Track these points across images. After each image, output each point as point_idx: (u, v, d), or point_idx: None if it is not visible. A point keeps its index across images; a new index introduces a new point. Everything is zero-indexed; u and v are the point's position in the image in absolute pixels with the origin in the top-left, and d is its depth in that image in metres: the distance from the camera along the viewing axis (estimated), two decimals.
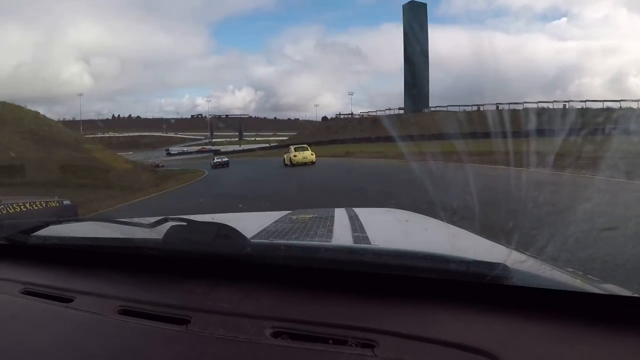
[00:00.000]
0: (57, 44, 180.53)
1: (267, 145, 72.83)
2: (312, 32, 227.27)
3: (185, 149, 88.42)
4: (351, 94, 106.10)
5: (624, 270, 2.74)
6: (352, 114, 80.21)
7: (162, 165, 46.18)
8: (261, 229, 1.34)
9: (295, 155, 22.82)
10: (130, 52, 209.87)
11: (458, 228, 1.38)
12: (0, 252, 1.12)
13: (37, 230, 1.10)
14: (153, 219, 1.01)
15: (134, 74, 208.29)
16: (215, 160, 31.88)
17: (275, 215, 1.71)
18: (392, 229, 1.56)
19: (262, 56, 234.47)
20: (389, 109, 69.81)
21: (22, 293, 0.89)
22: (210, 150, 74.34)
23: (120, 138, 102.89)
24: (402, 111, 69.04)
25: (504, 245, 1.04)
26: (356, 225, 1.38)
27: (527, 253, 0.99)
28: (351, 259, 0.79)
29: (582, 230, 3.24)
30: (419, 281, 0.72)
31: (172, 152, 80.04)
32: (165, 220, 0.95)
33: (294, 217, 1.75)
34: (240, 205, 7.53)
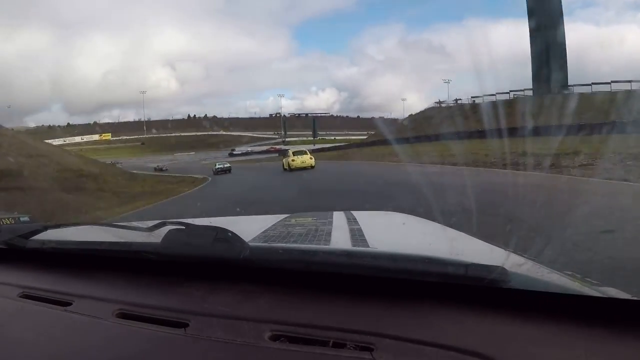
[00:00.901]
0: (144, 51, 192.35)
1: (345, 144, 59.43)
2: (393, 31, 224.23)
3: (249, 148, 78.29)
4: (447, 81, 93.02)
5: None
6: (457, 100, 51.15)
7: (166, 169, 45.74)
8: (259, 232, 1.34)
9: (293, 160, 22.45)
10: (215, 56, 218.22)
11: (456, 231, 1.38)
12: None
13: (35, 234, 1.10)
14: (151, 223, 1.01)
15: (219, 77, 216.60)
16: (217, 166, 31.66)
17: (274, 218, 1.71)
18: (390, 232, 1.56)
19: (344, 57, 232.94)
20: (512, 91, 44.07)
21: (20, 297, 0.89)
22: (280, 150, 65.21)
23: (184, 137, 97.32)
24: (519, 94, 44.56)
25: (503, 248, 1.04)
26: (354, 229, 1.38)
27: (526, 256, 0.99)
28: (349, 262, 0.79)
29: None
30: (417, 284, 0.72)
31: (235, 153, 70.12)
32: (164, 224, 0.95)
33: (293, 220, 1.76)
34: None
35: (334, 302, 0.74)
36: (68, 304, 0.83)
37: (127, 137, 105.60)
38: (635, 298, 0.64)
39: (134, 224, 1.18)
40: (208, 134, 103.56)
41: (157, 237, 0.90)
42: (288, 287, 0.79)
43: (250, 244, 0.85)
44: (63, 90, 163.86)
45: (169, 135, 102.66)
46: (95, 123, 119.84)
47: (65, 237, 1.18)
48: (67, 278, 0.98)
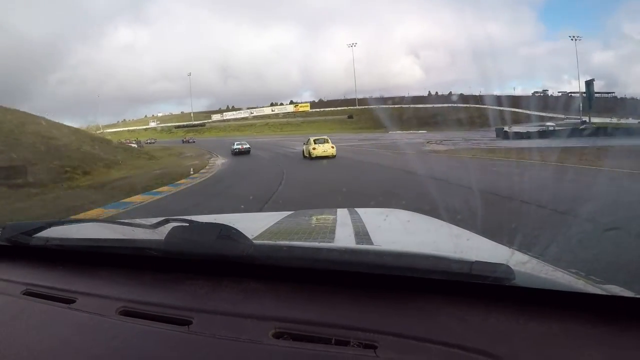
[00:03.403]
0: (388, 40, 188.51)
1: None
2: None
3: (550, 123, 46.14)
4: None
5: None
6: None
7: (193, 141, 40.81)
8: (263, 229, 1.34)
9: (314, 148, 21.26)
10: (458, 43, 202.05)
11: (460, 228, 1.37)
12: (3, 253, 1.12)
13: (39, 232, 1.10)
14: (155, 220, 1.01)
15: (464, 64, 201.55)
16: (235, 146, 27.77)
17: (278, 215, 1.71)
18: (395, 230, 1.56)
19: (598, 38, 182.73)
20: None
21: (24, 294, 0.90)
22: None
23: (410, 110, 71.53)
24: None
25: (507, 246, 1.04)
26: (358, 226, 1.38)
27: (530, 254, 0.99)
28: (353, 259, 0.79)
29: None
30: (421, 282, 0.72)
31: (508, 132, 35.80)
32: (167, 221, 0.95)
33: (297, 217, 1.75)
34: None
35: (337, 300, 0.73)
36: (71, 301, 0.83)
37: (332, 109, 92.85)
38: (638, 296, 0.64)
39: (138, 221, 1.18)
40: (451, 106, 74.44)
41: (160, 234, 0.90)
42: (292, 285, 0.79)
43: (254, 241, 0.85)
44: (312, 78, 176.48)
45: (388, 106, 79.08)
46: (320, 100, 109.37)
47: (68, 234, 1.19)
48: (71, 275, 0.98)
